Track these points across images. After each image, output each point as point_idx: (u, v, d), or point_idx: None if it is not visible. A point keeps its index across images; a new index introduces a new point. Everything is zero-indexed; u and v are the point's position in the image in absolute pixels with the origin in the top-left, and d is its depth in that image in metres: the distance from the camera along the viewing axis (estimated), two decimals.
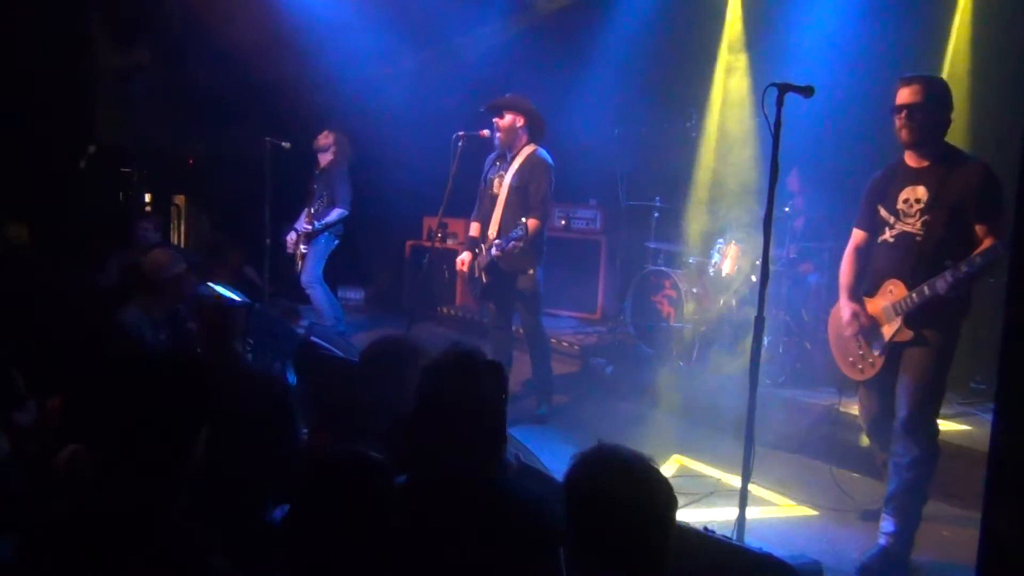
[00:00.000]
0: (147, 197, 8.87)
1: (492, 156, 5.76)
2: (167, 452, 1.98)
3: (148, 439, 1.96)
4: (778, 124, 3.50)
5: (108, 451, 2.00)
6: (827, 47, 6.24)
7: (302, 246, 7.32)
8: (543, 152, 5.55)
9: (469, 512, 2.20)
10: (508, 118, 5.50)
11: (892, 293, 3.83)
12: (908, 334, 3.78)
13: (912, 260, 3.78)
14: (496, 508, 2.23)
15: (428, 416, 2.32)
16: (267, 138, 7.08)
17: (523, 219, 5.23)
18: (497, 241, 5.40)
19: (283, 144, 7.14)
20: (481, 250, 5.57)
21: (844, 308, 4.02)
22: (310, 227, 7.23)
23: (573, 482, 1.96)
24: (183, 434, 2.00)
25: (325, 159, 7.42)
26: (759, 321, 3.63)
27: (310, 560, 2.01)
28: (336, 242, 7.39)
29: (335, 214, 7.23)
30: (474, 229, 5.77)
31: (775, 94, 3.47)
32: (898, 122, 3.78)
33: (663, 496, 1.92)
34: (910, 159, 3.87)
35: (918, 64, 4.29)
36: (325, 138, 7.41)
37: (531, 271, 5.47)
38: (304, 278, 7.25)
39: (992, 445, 1.55)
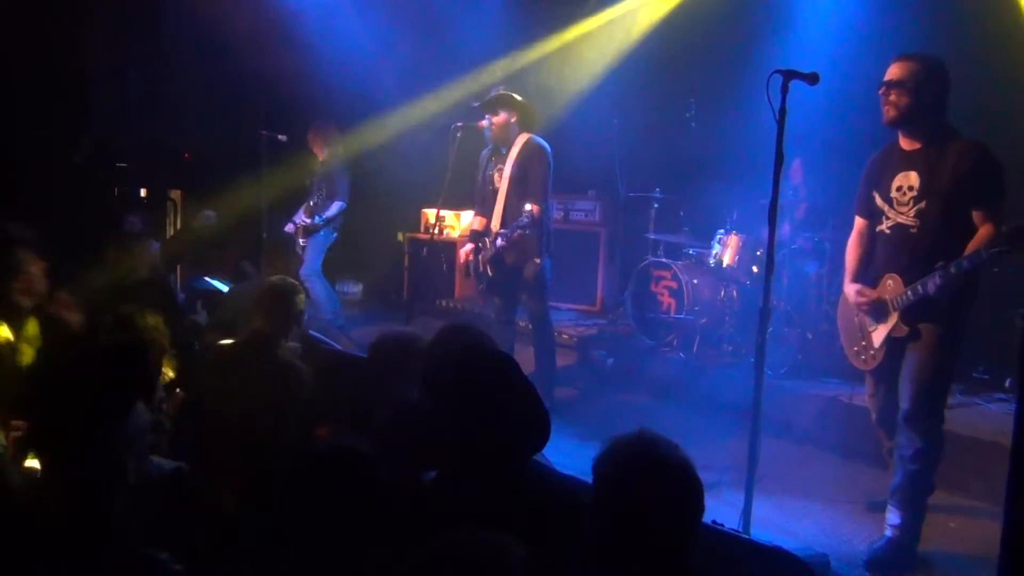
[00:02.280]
0: (142, 192, 8.80)
1: (486, 152, 5.72)
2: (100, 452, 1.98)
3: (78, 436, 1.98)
4: (782, 112, 3.46)
5: (47, 455, 2.02)
6: (832, 33, 6.20)
7: (300, 240, 7.28)
8: (538, 139, 5.52)
9: (500, 498, 2.17)
10: (502, 115, 5.47)
11: (890, 288, 3.78)
12: (904, 330, 3.73)
13: (908, 254, 3.73)
14: (527, 492, 2.20)
15: (452, 409, 2.30)
16: (263, 131, 7.03)
17: (527, 206, 5.20)
18: (503, 231, 5.36)
19: (279, 137, 7.09)
20: (486, 243, 5.53)
21: (850, 290, 3.98)
22: (310, 221, 7.19)
23: (601, 465, 1.95)
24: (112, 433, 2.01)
25: (322, 153, 7.39)
26: (764, 311, 3.59)
27: (300, 554, 1.99)
28: (335, 235, 7.36)
29: (335, 208, 7.19)
30: (478, 223, 5.73)
31: (779, 81, 3.43)
32: (881, 99, 3.73)
33: (689, 496, 1.89)
34: (903, 141, 3.80)
35: (932, 47, 4.19)
36: (311, 140, 7.40)
37: (537, 260, 5.42)
38: (303, 271, 7.21)
39: (1015, 437, 1.51)
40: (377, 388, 3.25)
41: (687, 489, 1.90)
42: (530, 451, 2.34)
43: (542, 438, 2.35)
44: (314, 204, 7.22)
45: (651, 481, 1.87)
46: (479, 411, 2.28)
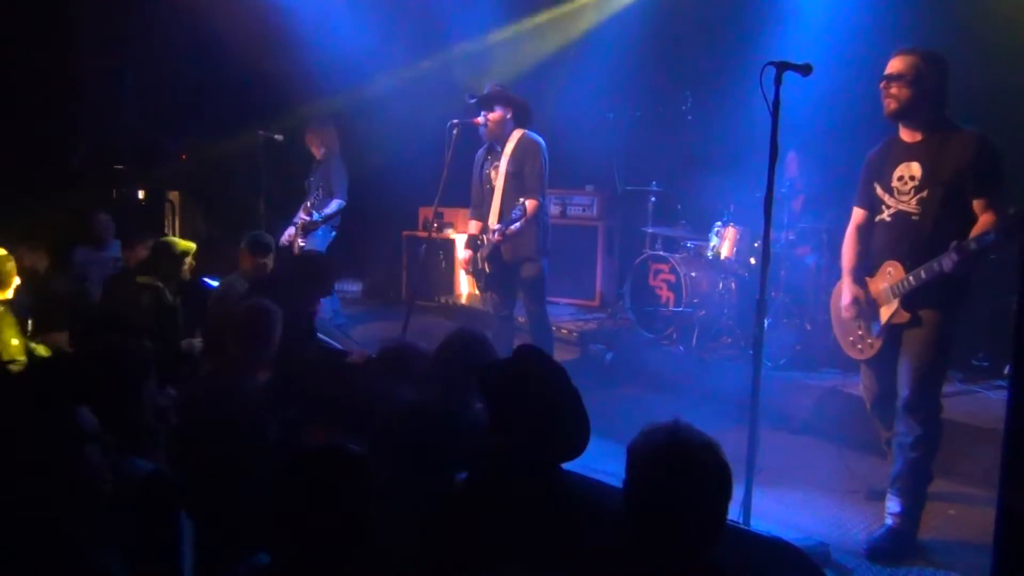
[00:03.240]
0: (140, 194, 8.81)
1: (482, 151, 5.72)
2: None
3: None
4: (776, 104, 3.47)
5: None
6: (828, 24, 6.20)
7: (300, 240, 7.29)
8: (532, 134, 5.53)
9: (531, 502, 2.20)
10: (497, 111, 5.48)
11: (891, 275, 3.80)
12: (905, 316, 3.76)
13: (909, 241, 3.75)
14: (558, 497, 2.23)
15: (503, 418, 2.34)
16: (260, 131, 7.03)
17: (521, 199, 5.21)
18: (498, 226, 5.37)
19: (276, 137, 7.09)
20: (483, 241, 5.54)
21: (846, 291, 4.00)
22: (308, 218, 7.21)
23: (635, 449, 1.98)
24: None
25: (319, 153, 7.41)
26: (761, 303, 3.61)
27: (292, 553, 2.00)
28: (334, 234, 7.37)
29: (334, 205, 7.21)
30: (474, 227, 5.73)
31: (773, 73, 3.44)
32: (882, 92, 3.75)
33: (717, 481, 1.92)
34: (904, 134, 3.83)
35: (924, 37, 4.19)
36: (308, 140, 7.42)
37: (535, 259, 5.43)
38: None
39: (1008, 423, 1.52)
40: (378, 388, 3.26)
41: (718, 475, 1.92)
42: (567, 458, 2.36)
43: (581, 446, 2.38)
44: (312, 204, 7.24)
45: (684, 465, 1.90)
46: (531, 417, 2.31)
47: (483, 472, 2.33)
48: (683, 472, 1.88)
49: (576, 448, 2.36)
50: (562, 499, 2.24)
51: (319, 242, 7.30)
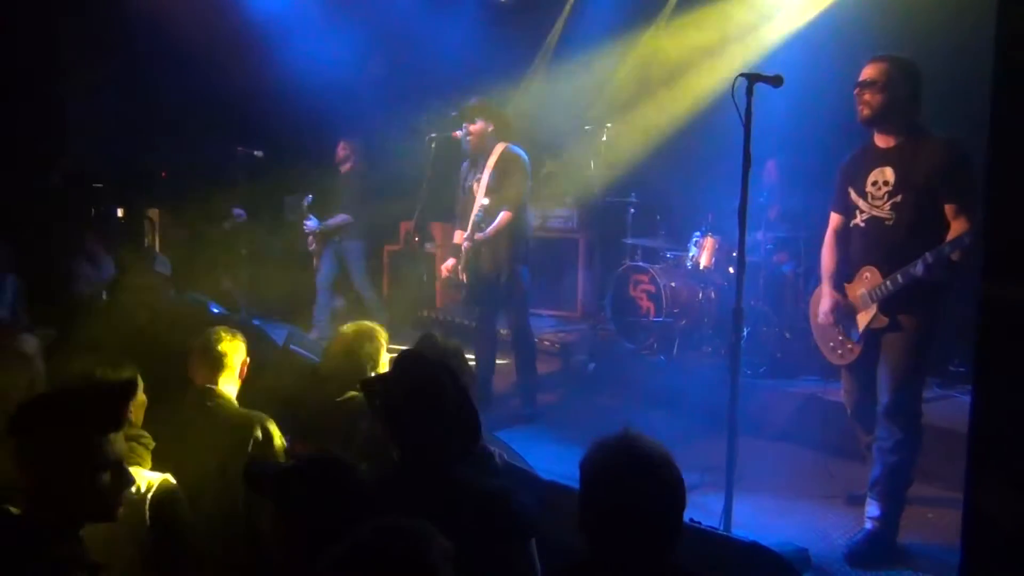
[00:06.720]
0: (120, 212, 8.77)
1: (466, 164, 5.76)
2: None
3: None
4: (749, 115, 3.51)
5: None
6: (801, 34, 6.28)
7: (312, 244, 7.51)
8: (515, 147, 5.57)
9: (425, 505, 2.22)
10: (479, 124, 5.52)
11: (868, 279, 3.85)
12: (884, 320, 3.81)
13: (884, 246, 3.81)
14: (454, 500, 2.25)
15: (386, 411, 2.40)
16: (239, 147, 7.04)
17: (484, 200, 5.26)
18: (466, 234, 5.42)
19: (255, 153, 7.11)
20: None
21: (825, 298, 4.04)
22: (310, 223, 7.39)
23: (586, 462, 2.01)
24: None
25: (345, 168, 7.57)
26: (737, 312, 3.64)
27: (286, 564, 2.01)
28: (363, 243, 7.61)
29: (339, 218, 7.37)
30: (458, 237, 5.76)
31: (745, 84, 3.49)
32: (856, 99, 3.82)
33: (670, 492, 1.93)
34: (878, 139, 3.89)
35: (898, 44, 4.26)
36: (342, 150, 7.58)
37: (513, 268, 5.46)
38: (357, 282, 7.56)
39: (971, 422, 1.55)
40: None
41: (669, 483, 1.94)
42: (456, 451, 2.38)
43: (469, 438, 2.40)
44: (308, 204, 7.42)
45: (633, 475, 1.92)
46: (408, 413, 2.35)
47: (387, 474, 2.36)
48: (634, 481, 1.90)
49: (470, 442, 2.40)
50: (461, 496, 2.26)
51: (360, 254, 7.55)
